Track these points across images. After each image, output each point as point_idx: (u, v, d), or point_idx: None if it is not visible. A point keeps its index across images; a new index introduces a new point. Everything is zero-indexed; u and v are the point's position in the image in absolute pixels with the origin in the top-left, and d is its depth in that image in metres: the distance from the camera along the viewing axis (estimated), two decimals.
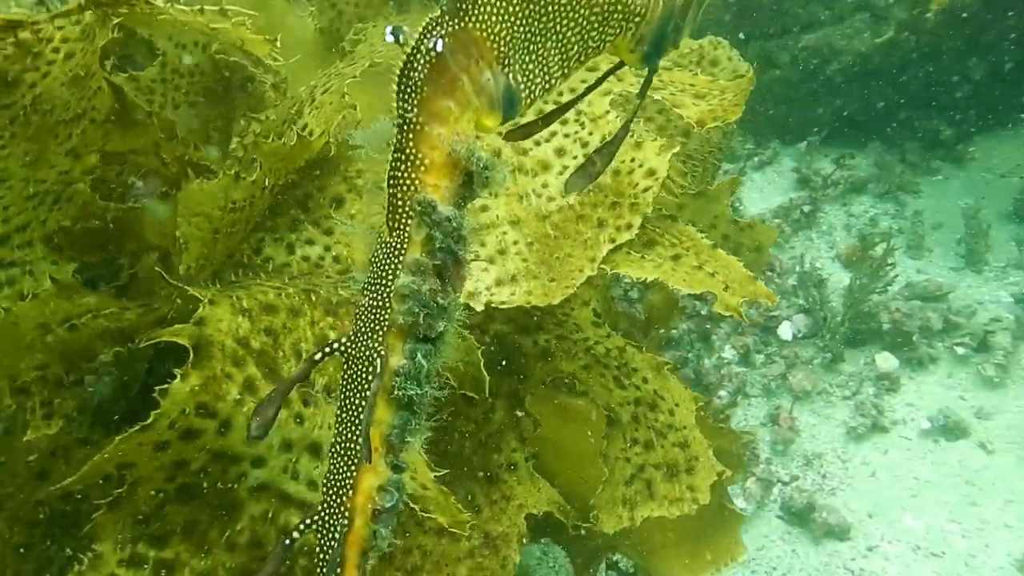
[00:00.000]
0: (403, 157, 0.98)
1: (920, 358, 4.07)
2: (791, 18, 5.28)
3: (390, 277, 0.99)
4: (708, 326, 4.49)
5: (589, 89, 1.51)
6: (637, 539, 2.60)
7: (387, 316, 0.99)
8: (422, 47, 0.97)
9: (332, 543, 1.02)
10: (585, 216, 1.91)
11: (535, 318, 2.26)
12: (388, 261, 1.00)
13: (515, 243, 1.88)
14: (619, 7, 1.14)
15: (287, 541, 1.02)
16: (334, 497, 1.02)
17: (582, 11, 1.10)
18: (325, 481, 1.04)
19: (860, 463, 3.74)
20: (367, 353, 1.00)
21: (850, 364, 4.19)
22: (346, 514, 1.02)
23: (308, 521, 1.02)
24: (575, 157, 1.88)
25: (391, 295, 0.99)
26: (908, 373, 4.06)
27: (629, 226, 1.93)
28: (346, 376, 1.02)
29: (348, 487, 1.02)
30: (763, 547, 3.51)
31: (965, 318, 4.17)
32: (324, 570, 1.02)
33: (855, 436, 3.84)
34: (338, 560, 1.02)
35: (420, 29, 0.98)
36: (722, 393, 4.15)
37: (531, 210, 1.90)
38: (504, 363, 2.25)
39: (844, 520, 3.47)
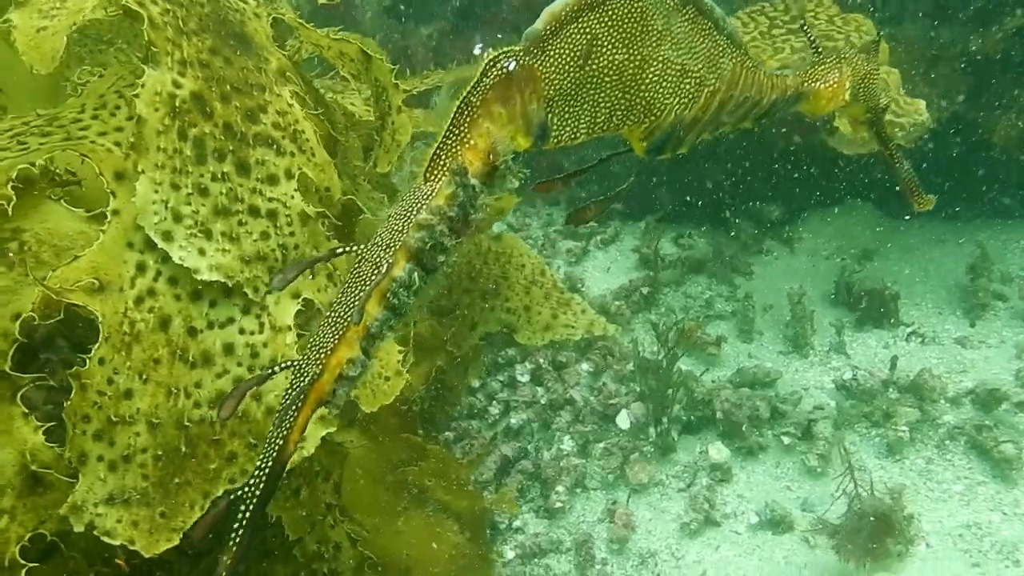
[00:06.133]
0: (456, 131, 1.23)
1: (750, 447, 4.12)
2: None
3: (415, 211, 1.21)
4: (548, 415, 4.39)
5: (610, 156, 1.79)
6: None
7: (402, 238, 1.21)
8: (500, 62, 1.25)
9: (301, 384, 1.20)
10: (221, 442, 1.69)
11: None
12: (417, 199, 1.22)
13: (144, 451, 1.63)
14: (642, 104, 1.43)
15: (269, 371, 1.23)
16: (315, 352, 1.22)
17: (616, 93, 1.39)
18: (311, 339, 1.23)
19: (693, 561, 3.70)
20: (378, 257, 1.21)
21: (685, 453, 4.19)
22: (319, 367, 1.21)
23: (289, 363, 1.22)
24: (239, 364, 1.68)
25: (411, 224, 1.20)
26: (739, 463, 4.10)
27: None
28: (354, 269, 1.22)
29: (328, 349, 1.21)
30: None
31: (791, 405, 4.27)
32: (289, 401, 1.20)
33: (689, 532, 3.80)
34: (301, 398, 1.20)
35: (501, 51, 1.25)
36: (559, 488, 4.04)
37: (175, 412, 1.66)
38: None
39: None
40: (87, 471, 1.63)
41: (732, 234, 5.54)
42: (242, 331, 1.85)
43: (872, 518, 3.44)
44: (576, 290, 5.01)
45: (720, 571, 3.63)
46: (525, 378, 4.55)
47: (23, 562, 1.61)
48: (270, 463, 1.18)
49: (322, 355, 1.22)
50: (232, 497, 1.18)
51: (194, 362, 1.77)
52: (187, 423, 1.71)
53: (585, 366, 4.62)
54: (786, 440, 4.12)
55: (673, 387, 4.23)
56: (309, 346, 1.23)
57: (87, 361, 1.70)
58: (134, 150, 1.84)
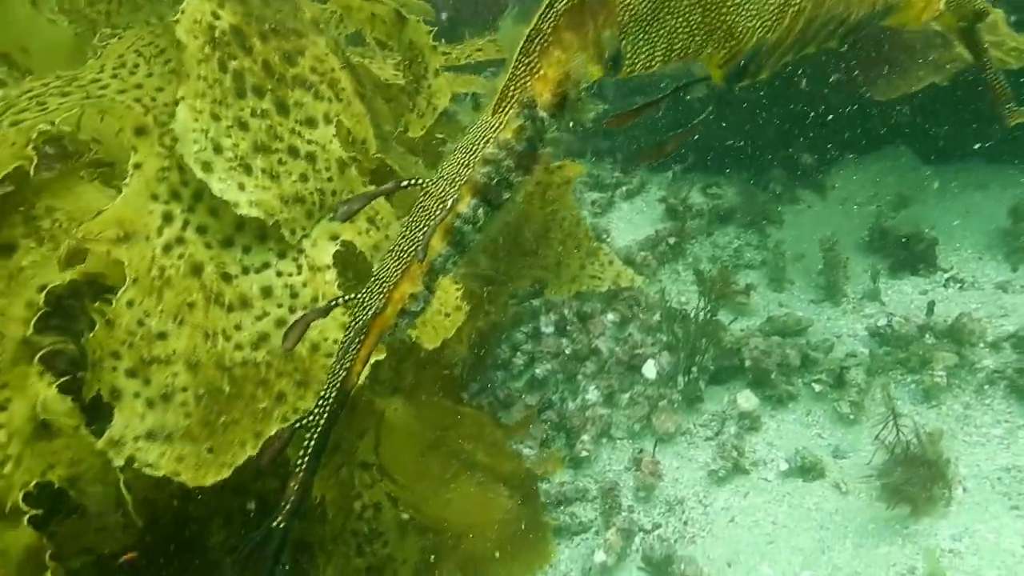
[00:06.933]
0: (526, 61, 1.19)
1: (780, 396, 4.03)
2: None
3: (481, 145, 1.19)
4: (573, 365, 4.34)
5: (677, 90, 1.69)
6: (463, 552, 2.99)
7: (468, 173, 1.19)
8: None
9: (365, 317, 1.21)
10: (268, 382, 1.67)
11: None
12: (484, 133, 1.20)
13: (184, 390, 1.60)
14: (723, 27, 1.38)
15: (332, 303, 1.24)
16: (378, 285, 1.22)
17: (696, 18, 1.34)
18: (374, 274, 1.23)
19: (721, 508, 3.65)
20: (443, 192, 1.19)
21: (713, 403, 4.11)
22: (383, 301, 1.21)
23: (352, 296, 1.22)
24: (280, 305, 1.64)
25: (478, 159, 1.19)
26: (769, 411, 4.02)
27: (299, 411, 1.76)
28: (420, 204, 1.21)
29: (391, 283, 1.21)
30: None
31: (823, 353, 4.16)
32: (353, 334, 1.21)
33: (717, 479, 3.75)
34: (364, 331, 1.20)
35: None
36: (585, 437, 4.00)
37: (214, 354, 1.64)
38: None
39: (702, 572, 3.36)
40: (123, 407, 1.62)
41: (763, 182, 5.39)
42: (279, 274, 1.84)
43: (917, 464, 3.34)
44: (601, 241, 4.92)
45: (748, 518, 3.57)
46: (550, 329, 4.50)
47: (25, 508, 1.56)
48: (334, 393, 1.19)
49: (385, 289, 1.22)
50: (297, 426, 1.20)
51: (231, 306, 1.77)
52: (228, 364, 1.70)
53: (611, 316, 4.55)
54: (817, 388, 4.02)
55: (705, 336, 4.15)
56: (372, 279, 1.24)
57: (113, 301, 1.70)
58: (175, 76, 1.82)
